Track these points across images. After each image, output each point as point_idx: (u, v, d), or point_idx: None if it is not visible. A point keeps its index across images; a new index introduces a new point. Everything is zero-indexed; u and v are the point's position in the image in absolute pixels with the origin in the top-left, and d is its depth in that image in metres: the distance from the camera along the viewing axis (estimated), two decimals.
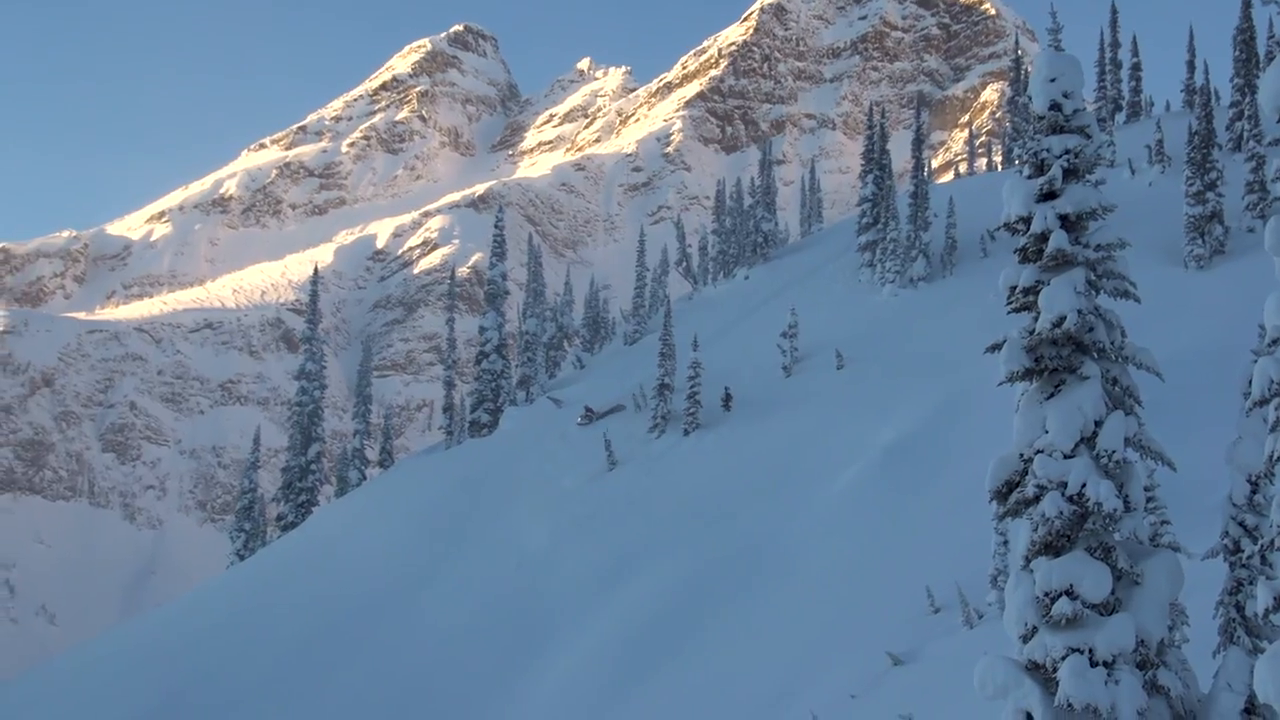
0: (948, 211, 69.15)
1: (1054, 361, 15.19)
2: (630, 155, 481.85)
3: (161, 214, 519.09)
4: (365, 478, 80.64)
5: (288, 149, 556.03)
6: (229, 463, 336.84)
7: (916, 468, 41.57)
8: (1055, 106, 15.53)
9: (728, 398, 58.79)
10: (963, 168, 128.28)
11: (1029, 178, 15.65)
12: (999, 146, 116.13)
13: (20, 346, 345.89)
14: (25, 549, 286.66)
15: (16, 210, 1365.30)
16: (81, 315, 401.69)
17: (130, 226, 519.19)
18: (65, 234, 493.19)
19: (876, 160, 77.08)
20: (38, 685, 58.63)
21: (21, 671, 77.80)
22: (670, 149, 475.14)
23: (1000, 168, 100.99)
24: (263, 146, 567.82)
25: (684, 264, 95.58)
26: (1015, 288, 15.71)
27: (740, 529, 44.43)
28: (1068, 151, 15.41)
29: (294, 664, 48.04)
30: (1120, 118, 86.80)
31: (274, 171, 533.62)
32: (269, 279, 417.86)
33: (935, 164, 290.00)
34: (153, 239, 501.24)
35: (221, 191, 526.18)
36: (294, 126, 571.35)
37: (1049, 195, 15.46)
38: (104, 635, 68.14)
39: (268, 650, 49.78)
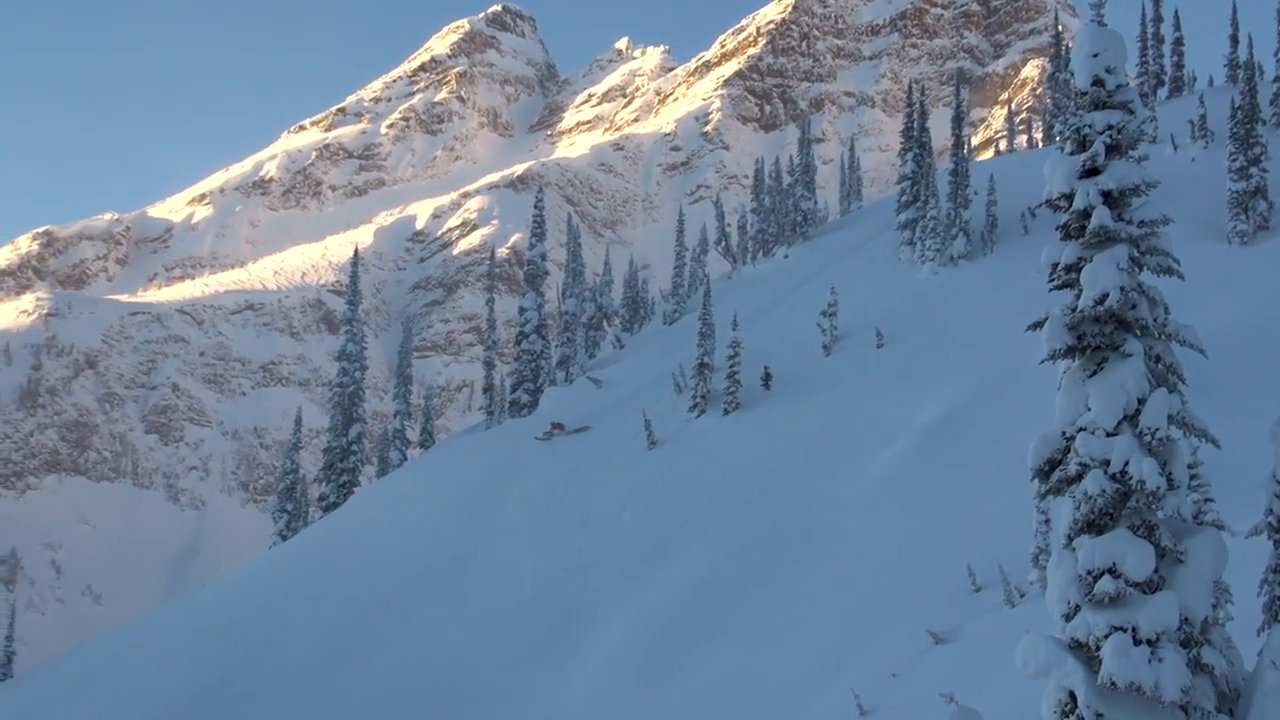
0: (988, 189, 68.77)
1: (1096, 339, 15.10)
2: (669, 135, 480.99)
3: (202, 196, 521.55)
4: (406, 458, 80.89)
5: (327, 130, 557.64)
6: (271, 444, 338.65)
7: (957, 446, 41.43)
8: (1097, 82, 15.41)
9: (767, 377, 58.69)
10: (1003, 145, 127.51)
11: (1071, 154, 15.55)
12: (1040, 123, 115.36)
13: (64, 329, 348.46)
14: (71, 530, 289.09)
15: (59, 193, 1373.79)
16: (124, 297, 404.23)
17: (172, 209, 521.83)
18: (107, 216, 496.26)
19: (916, 138, 76.73)
20: (84, 664, 59.13)
21: (68, 651, 78.42)
22: (709, 128, 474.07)
23: (1041, 144, 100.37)
24: (302, 128, 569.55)
25: (723, 243, 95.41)
26: (1057, 265, 15.61)
27: (781, 508, 44.40)
28: (1110, 127, 15.29)
29: (336, 644, 48.29)
30: (1162, 93, 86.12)
31: (314, 153, 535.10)
32: (309, 260, 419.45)
33: (975, 141, 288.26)
34: (194, 221, 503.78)
35: (262, 173, 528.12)
36: (333, 108, 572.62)
37: (1091, 171, 15.36)
38: (149, 615, 68.68)
39: (310, 630, 50.05)
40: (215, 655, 50.25)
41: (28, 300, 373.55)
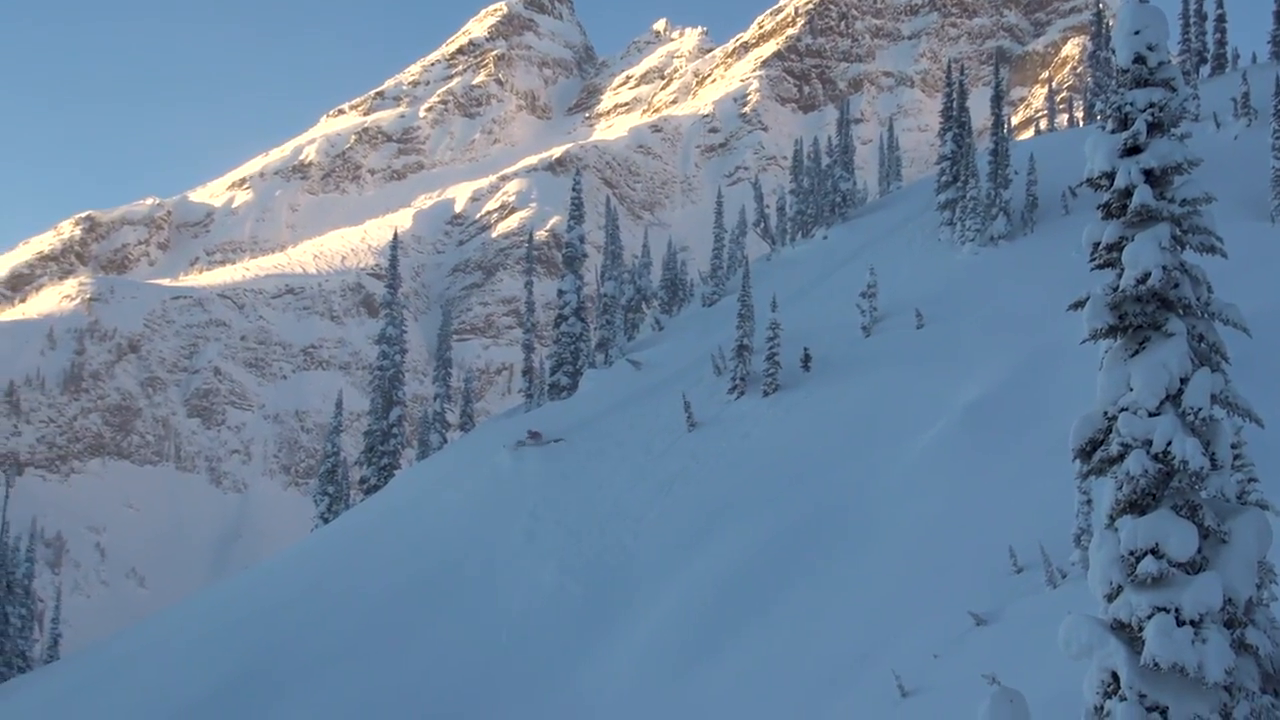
0: (1028, 168, 68.40)
1: (1138, 318, 15.01)
2: (707, 116, 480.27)
3: (242, 181, 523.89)
4: (446, 440, 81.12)
5: (366, 114, 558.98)
6: (311, 427, 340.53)
7: (998, 427, 41.29)
8: (1139, 59, 15.31)
9: (807, 358, 58.59)
10: (1043, 124, 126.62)
11: (1112, 132, 15.45)
12: (1080, 102, 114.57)
13: (107, 313, 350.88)
14: (115, 513, 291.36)
15: (101, 178, 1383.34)
16: (166, 282, 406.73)
17: (212, 193, 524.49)
18: (149, 201, 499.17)
19: (956, 118, 76.35)
20: (127, 649, 59.63)
21: (111, 635, 79.11)
22: (747, 109, 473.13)
23: (1082, 123, 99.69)
24: (341, 112, 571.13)
25: (762, 225, 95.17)
26: (1098, 244, 15.53)
27: (821, 489, 44.35)
28: (1152, 105, 15.19)
29: (380, 624, 48.54)
30: (1205, 70, 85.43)
31: (353, 137, 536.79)
32: (349, 244, 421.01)
33: (1015, 121, 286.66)
34: (234, 206, 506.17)
35: (301, 158, 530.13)
36: (372, 92, 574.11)
37: (1133, 150, 15.26)
38: (191, 600, 69.16)
39: (354, 611, 50.32)
40: (256, 638, 50.58)
41: (71, 285, 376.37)
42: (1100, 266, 15.51)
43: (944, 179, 73.81)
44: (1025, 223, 67.67)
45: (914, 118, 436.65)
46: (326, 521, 77.81)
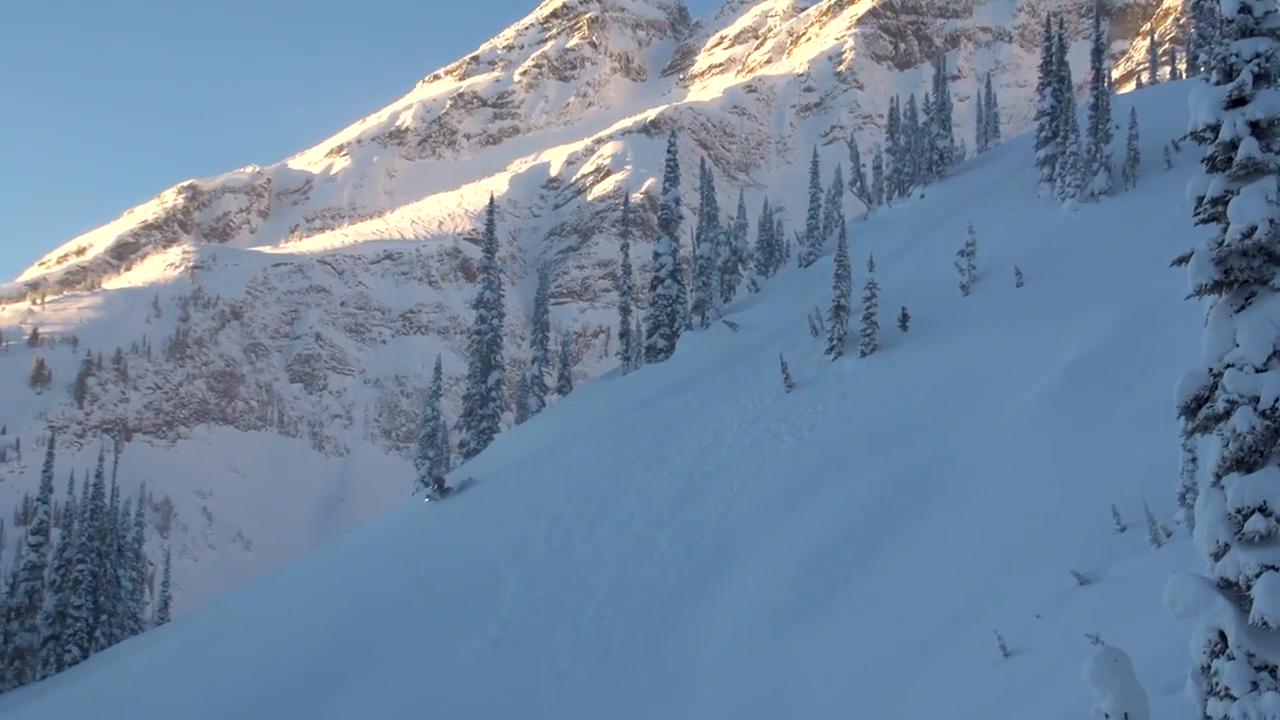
0: (1130, 123, 67.32)
1: (1244, 273, 14.78)
2: (802, 75, 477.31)
3: (340, 147, 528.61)
4: (544, 404, 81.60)
5: (461, 79, 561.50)
6: (411, 391, 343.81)
7: (1100, 385, 40.82)
8: (1245, 9, 15.03)
9: (905, 318, 58.21)
10: (1145, 77, 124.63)
11: (1216, 84, 15.19)
12: (1183, 54, 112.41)
13: (210, 281, 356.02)
14: (221, 478, 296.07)
15: (203, 147, 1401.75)
16: (266, 249, 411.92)
17: (311, 160, 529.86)
18: (249, 169, 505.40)
19: (1055, 72, 75.22)
20: (239, 606, 60.73)
21: (221, 594, 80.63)
22: (842, 68, 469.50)
23: (1185, 76, 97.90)
24: (437, 78, 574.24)
25: (858, 184, 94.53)
26: (1203, 198, 15.29)
27: (921, 449, 44.14)
28: (1258, 55, 14.91)
29: (480, 586, 49.03)
30: None
31: (448, 102, 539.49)
32: (446, 209, 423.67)
33: (1116, 74, 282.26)
34: (333, 172, 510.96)
35: (398, 124, 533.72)
36: (467, 57, 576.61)
37: (1238, 101, 15.00)
38: (299, 559, 70.22)
39: (455, 573, 50.88)
40: (360, 599, 51.31)
41: (174, 253, 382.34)
42: (1205, 221, 15.28)
43: (1043, 135, 72.82)
44: (1127, 178, 66.64)
45: (1012, 73, 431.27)
46: (426, 485, 78.63)
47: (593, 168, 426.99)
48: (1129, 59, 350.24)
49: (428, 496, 63.60)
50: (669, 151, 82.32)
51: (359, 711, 42.72)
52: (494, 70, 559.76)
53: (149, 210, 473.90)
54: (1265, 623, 13.62)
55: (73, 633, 74.34)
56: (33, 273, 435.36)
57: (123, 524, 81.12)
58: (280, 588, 60.67)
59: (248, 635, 53.34)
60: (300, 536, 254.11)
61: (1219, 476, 14.67)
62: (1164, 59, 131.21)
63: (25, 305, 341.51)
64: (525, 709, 40.63)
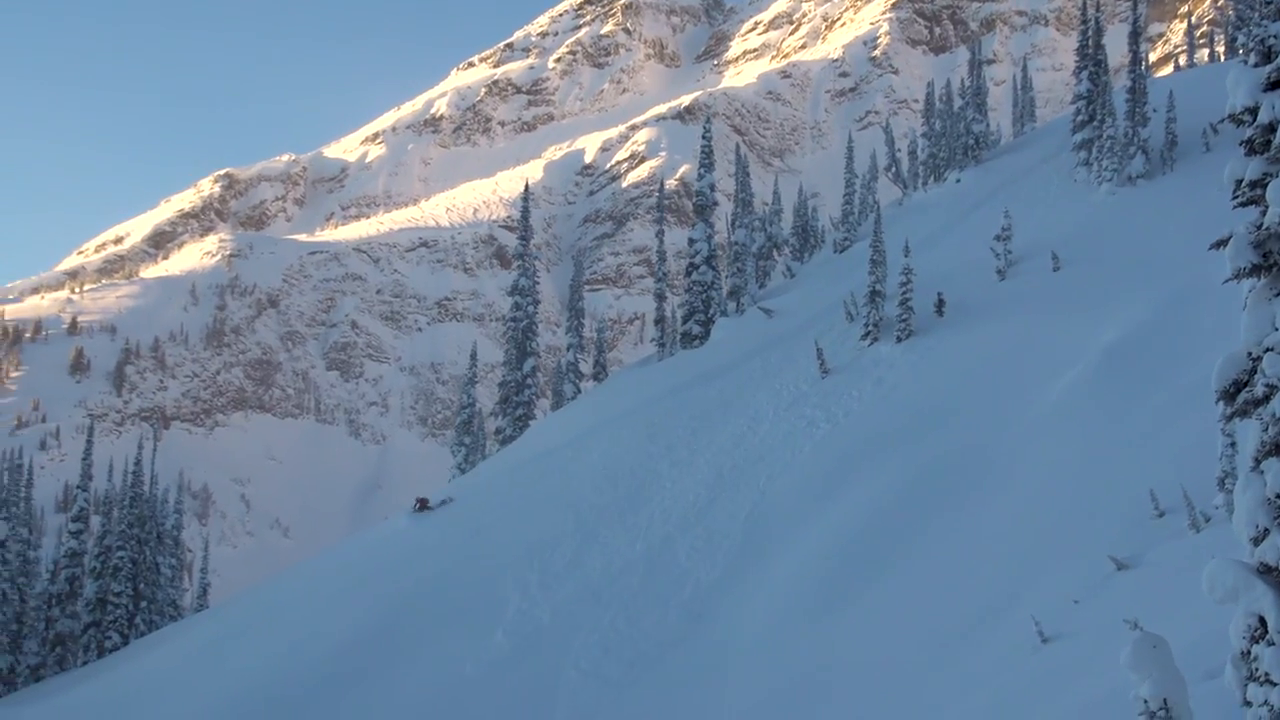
0: (1167, 106, 66.85)
1: None
2: (836, 61, 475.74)
3: (375, 135, 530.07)
4: (580, 391, 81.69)
5: (496, 67, 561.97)
6: (447, 378, 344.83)
7: (1138, 369, 40.64)
8: None
9: (941, 303, 58.04)
10: (1182, 60, 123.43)
11: (1255, 66, 15.07)
12: (1221, 36, 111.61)
13: (246, 269, 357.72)
14: (258, 465, 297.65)
15: (238, 136, 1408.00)
16: (302, 237, 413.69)
17: (346, 149, 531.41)
18: (285, 158, 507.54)
19: (1091, 55, 74.73)
20: (273, 596, 61.06)
21: (257, 582, 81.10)
22: (877, 53, 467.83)
23: (1223, 58, 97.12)
24: (471, 65, 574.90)
25: (893, 169, 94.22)
26: (1241, 181, 15.18)
27: (958, 434, 44.03)
28: None
29: (518, 569, 49.18)
30: None
31: (483, 90, 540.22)
32: (480, 196, 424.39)
33: (1153, 57, 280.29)
34: (368, 160, 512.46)
35: (433, 111, 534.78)
36: (501, 44, 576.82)
37: (1277, 84, 14.88)
38: (337, 545, 70.53)
39: (493, 558, 51.04)
40: (396, 585, 51.53)
41: (211, 242, 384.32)
42: (1243, 204, 15.18)
43: (1080, 118, 72.41)
44: (1164, 161, 66.21)
45: (1048, 57, 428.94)
46: (463, 471, 78.85)
47: (627, 154, 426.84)
48: (1166, 41, 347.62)
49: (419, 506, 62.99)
50: (704, 137, 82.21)
51: (395, 698, 42.93)
52: (528, 57, 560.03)
53: (186, 199, 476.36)
54: None
55: (113, 619, 74.84)
56: (71, 262, 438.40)
57: (162, 511, 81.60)
58: (310, 579, 60.93)
59: (284, 624, 53.65)
60: (337, 523, 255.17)
61: (1258, 461, 14.58)
62: (1202, 41, 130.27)
63: (64, 294, 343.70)
64: (558, 698, 40.74)
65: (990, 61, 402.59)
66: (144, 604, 76.74)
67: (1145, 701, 15.14)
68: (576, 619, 44.76)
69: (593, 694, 40.16)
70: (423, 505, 62.62)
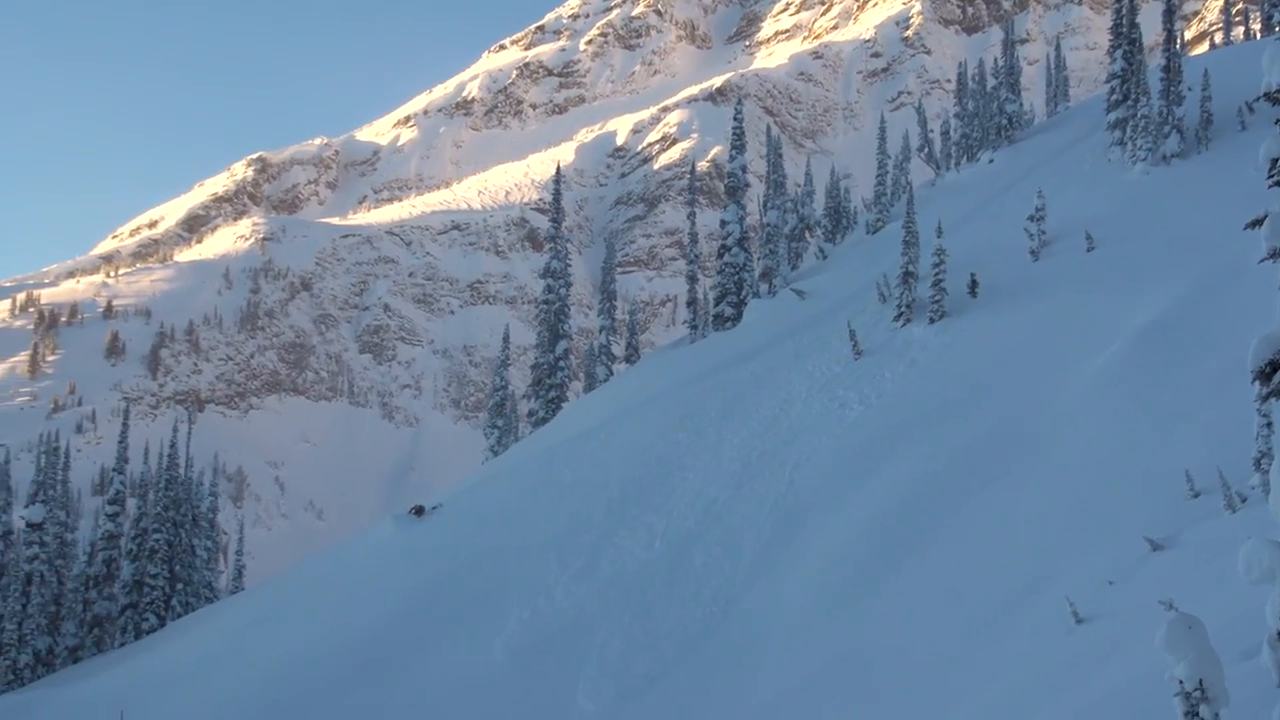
0: (1202, 84, 66.31)
1: None
2: (868, 41, 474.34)
3: (407, 118, 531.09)
4: (612, 373, 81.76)
5: (527, 49, 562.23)
6: (480, 361, 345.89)
7: (1173, 350, 40.44)
8: None
9: (974, 284, 57.84)
10: (1218, 38, 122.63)
11: None
12: (1256, 13, 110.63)
13: (279, 252, 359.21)
14: (292, 448, 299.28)
15: (271, 119, 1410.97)
16: (335, 220, 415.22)
17: (378, 132, 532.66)
18: (317, 141, 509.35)
19: (1125, 34, 74.20)
20: (308, 577, 61.44)
21: (294, 564, 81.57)
22: (909, 33, 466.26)
23: (1258, 36, 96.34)
24: (503, 48, 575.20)
25: (926, 150, 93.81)
26: (1276, 160, 15.11)
27: (991, 415, 43.92)
28: None
29: (556, 550, 49.36)
30: None
31: (514, 72, 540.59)
32: (512, 179, 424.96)
33: (1188, 35, 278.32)
34: (400, 143, 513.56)
35: (464, 94, 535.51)
36: (532, 26, 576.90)
37: None
38: (372, 528, 70.82)
39: (531, 538, 51.23)
40: (428, 571, 51.79)
41: (245, 225, 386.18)
42: (1278, 184, 15.11)
43: (1114, 98, 71.93)
44: (1199, 140, 65.73)
45: (1082, 36, 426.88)
46: (496, 454, 79.10)
47: (659, 136, 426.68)
48: (1201, 19, 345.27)
49: (413, 510, 62.79)
50: (735, 119, 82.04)
51: (435, 677, 43.20)
52: (559, 40, 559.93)
53: (219, 183, 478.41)
54: None
55: (149, 601, 75.43)
56: (106, 246, 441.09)
57: (197, 494, 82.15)
58: (346, 562, 61.27)
59: (321, 602, 53.99)
60: (371, 506, 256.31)
61: None
62: (1237, 19, 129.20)
63: (99, 278, 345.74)
64: (578, 690, 40.91)
65: (1023, 41, 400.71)
66: (180, 586, 77.34)
67: (1181, 682, 15.12)
68: (600, 612, 44.86)
69: (618, 688, 40.23)
70: (416, 511, 62.28)
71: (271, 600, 60.06)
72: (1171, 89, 67.31)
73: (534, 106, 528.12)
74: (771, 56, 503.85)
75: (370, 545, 61.48)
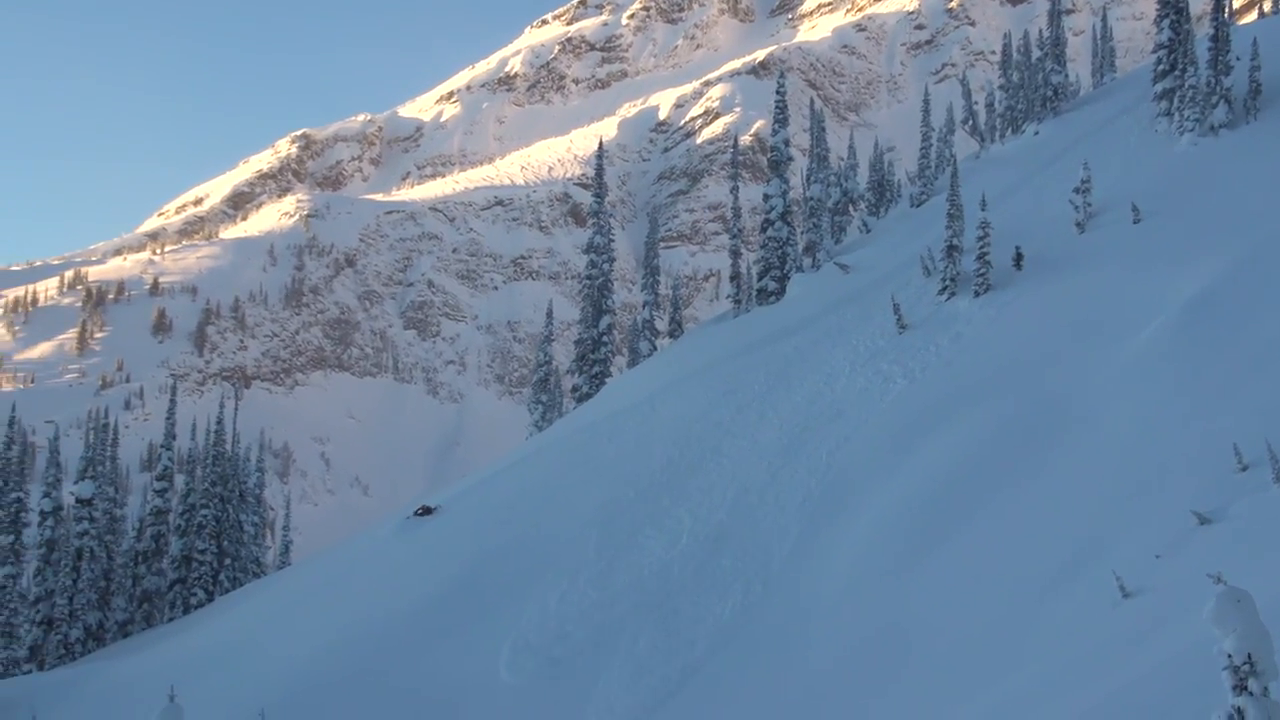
0: (1251, 53, 65.55)
1: None
2: (912, 13, 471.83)
3: (450, 94, 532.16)
4: (655, 348, 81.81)
5: (569, 24, 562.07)
6: (523, 336, 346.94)
7: (1220, 322, 40.13)
8: None
9: (1019, 257, 57.51)
10: (1267, 6, 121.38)
11: None
12: None
13: (324, 229, 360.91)
14: (338, 424, 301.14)
15: (315, 96, 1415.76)
16: (379, 196, 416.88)
17: (421, 108, 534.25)
18: (361, 118, 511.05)
19: (1172, 3, 73.42)
20: (354, 553, 61.78)
21: (341, 540, 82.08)
22: (954, 4, 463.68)
23: None
24: (545, 23, 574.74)
25: (970, 122, 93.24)
26: None
27: (1037, 388, 43.69)
28: None
29: (600, 526, 49.50)
30: None
31: (557, 47, 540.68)
32: (555, 154, 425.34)
33: (1236, 3, 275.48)
34: (443, 119, 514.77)
35: (507, 69, 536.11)
36: (575, 1, 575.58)
37: None
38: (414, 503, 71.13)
39: (574, 515, 51.40)
40: (473, 547, 52.05)
41: (289, 202, 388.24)
42: None
43: (1160, 68, 71.25)
44: (1248, 110, 65.04)
45: (1128, 6, 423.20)
46: (540, 429, 79.32)
47: (701, 110, 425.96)
48: None
49: (416, 512, 62.71)
50: (778, 93, 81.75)
51: (488, 640, 43.43)
52: (602, 14, 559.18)
53: (264, 160, 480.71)
54: None
55: (198, 576, 76.09)
56: (152, 223, 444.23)
57: (244, 470, 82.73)
58: (388, 542, 61.59)
59: (365, 579, 54.33)
60: (416, 481, 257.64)
61: None
62: None
63: (146, 255, 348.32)
64: (617, 670, 40.99)
65: (1069, 11, 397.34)
66: (228, 561, 77.97)
67: (1229, 656, 15.03)
68: (641, 597, 44.98)
69: (667, 666, 40.28)
70: (423, 511, 61.87)
71: (324, 573, 60.49)
72: (1220, 58, 66.63)
73: (576, 81, 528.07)
74: (814, 29, 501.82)
75: (386, 536, 61.94)
